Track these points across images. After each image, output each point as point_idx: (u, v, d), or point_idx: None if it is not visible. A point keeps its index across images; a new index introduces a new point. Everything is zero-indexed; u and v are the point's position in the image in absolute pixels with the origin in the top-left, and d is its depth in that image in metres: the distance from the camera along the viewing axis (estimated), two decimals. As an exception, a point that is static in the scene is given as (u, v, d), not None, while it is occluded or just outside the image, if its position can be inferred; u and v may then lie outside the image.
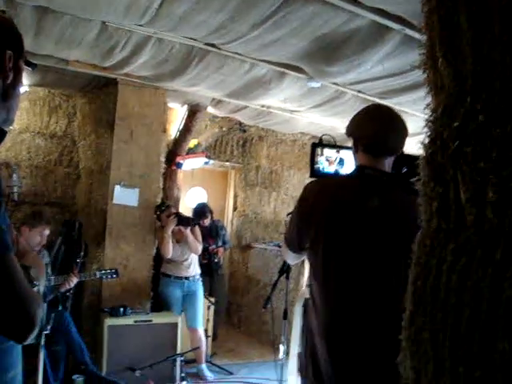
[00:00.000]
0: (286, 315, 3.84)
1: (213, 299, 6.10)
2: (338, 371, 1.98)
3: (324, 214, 2.03)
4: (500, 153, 1.09)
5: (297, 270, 5.71)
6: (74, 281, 4.41)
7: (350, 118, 5.73)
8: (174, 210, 5.29)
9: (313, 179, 2.79)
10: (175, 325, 5.03)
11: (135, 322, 4.84)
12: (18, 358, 1.21)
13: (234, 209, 7.87)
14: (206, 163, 6.80)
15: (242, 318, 7.66)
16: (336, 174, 2.83)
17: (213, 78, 4.68)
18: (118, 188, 5.18)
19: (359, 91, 4.83)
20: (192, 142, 6.61)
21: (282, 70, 4.46)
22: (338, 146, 2.94)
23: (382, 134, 2.12)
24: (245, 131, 7.37)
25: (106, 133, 5.42)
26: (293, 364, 4.45)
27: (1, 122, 1.25)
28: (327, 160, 2.85)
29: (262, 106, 5.80)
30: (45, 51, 4.35)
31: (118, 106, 5.28)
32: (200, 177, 7.69)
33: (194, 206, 6.69)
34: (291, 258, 2.47)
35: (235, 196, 7.86)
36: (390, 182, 2.18)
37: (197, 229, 5.39)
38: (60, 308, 4.40)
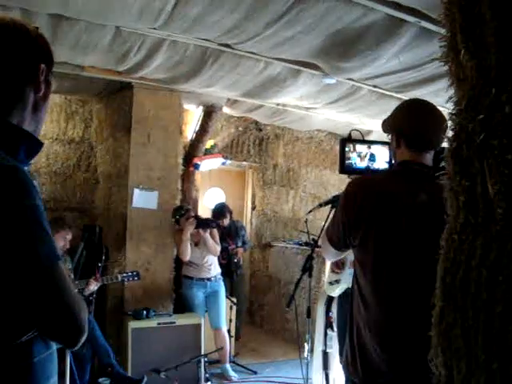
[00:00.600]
0: (309, 313, 3.83)
1: (234, 299, 6.11)
2: (393, 369, 1.99)
3: (374, 211, 2.03)
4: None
5: (317, 267, 5.69)
6: (97, 285, 4.45)
7: (366, 113, 5.73)
8: (192, 214, 5.30)
9: (345, 176, 2.82)
10: (198, 326, 5.04)
11: (158, 324, 4.87)
12: (56, 365, 1.24)
13: (253, 208, 7.87)
14: (224, 163, 6.82)
15: (265, 317, 7.66)
16: (368, 169, 2.83)
17: (228, 78, 4.68)
18: (136, 191, 5.21)
19: (375, 86, 4.80)
20: (208, 143, 6.61)
21: (297, 67, 4.44)
22: (369, 142, 2.94)
23: (426, 129, 2.13)
24: (261, 130, 7.37)
25: (124, 136, 5.45)
26: (318, 362, 4.45)
27: (31, 132, 1.26)
28: (359, 156, 2.85)
29: (278, 105, 5.79)
30: (60, 58, 4.39)
31: (134, 109, 5.30)
32: (217, 177, 7.71)
33: (213, 207, 6.70)
34: (332, 255, 2.49)
35: (253, 195, 7.86)
36: (434, 177, 2.17)
37: (215, 231, 5.39)
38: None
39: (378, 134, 6.88)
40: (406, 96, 4.92)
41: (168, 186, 5.42)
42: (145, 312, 4.85)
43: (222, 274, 5.67)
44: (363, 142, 2.88)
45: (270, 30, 3.51)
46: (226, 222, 6.43)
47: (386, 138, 2.42)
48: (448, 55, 1.32)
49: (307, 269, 3.76)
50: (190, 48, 4.17)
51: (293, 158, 7.87)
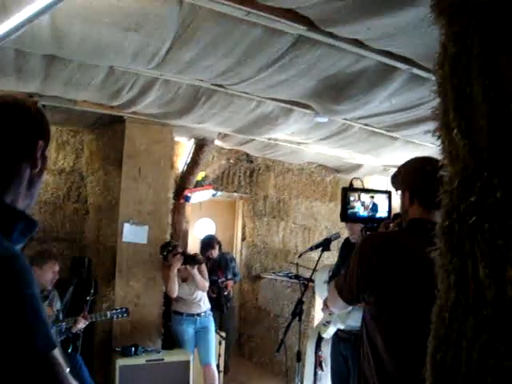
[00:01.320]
0: (299, 357, 3.80)
1: (223, 334, 6.06)
2: None
3: (392, 270, 2.09)
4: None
5: (307, 308, 5.68)
6: (85, 323, 4.39)
7: (357, 149, 5.76)
8: (180, 250, 5.27)
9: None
10: (187, 362, 5.00)
11: (147, 361, 4.81)
12: None
13: (243, 239, 7.86)
14: (214, 195, 6.84)
15: (254, 349, 7.61)
16: (371, 218, 2.85)
17: (220, 116, 4.71)
18: (127, 226, 5.19)
19: (366, 124, 4.84)
20: (199, 175, 6.63)
21: (289, 106, 4.48)
22: (370, 190, 2.98)
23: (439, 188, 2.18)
24: (252, 162, 7.39)
25: (115, 170, 5.44)
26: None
27: (24, 207, 1.26)
28: (363, 205, 2.89)
29: (269, 139, 5.82)
30: (53, 93, 4.40)
31: (126, 143, 5.31)
32: (208, 208, 7.70)
33: (202, 238, 6.68)
34: (340, 307, 2.57)
35: (243, 226, 7.86)
36: None
37: (203, 266, 5.37)
38: (70, 350, 4.38)
39: (369, 168, 6.94)
40: (397, 134, 4.98)
41: (158, 220, 5.40)
42: (133, 349, 4.80)
43: (212, 307, 5.64)
44: (364, 190, 2.93)
45: (264, 74, 3.54)
46: (215, 253, 6.40)
47: (381, 183, 2.46)
48: (441, 129, 1.33)
49: (297, 313, 3.74)
50: (182, 87, 4.20)
51: (283, 189, 7.89)
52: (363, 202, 2.89)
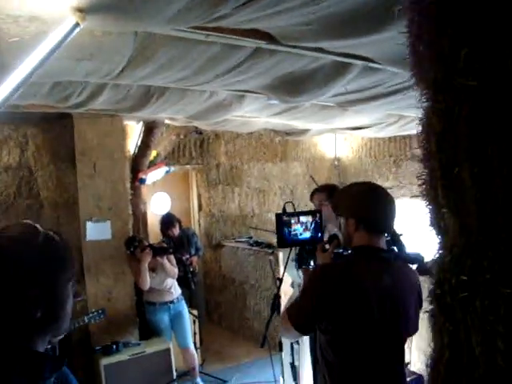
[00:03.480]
0: (281, 347, 3.96)
1: (195, 312, 6.19)
2: None
3: (349, 299, 2.15)
4: (509, 310, 1.16)
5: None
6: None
7: (307, 121, 5.80)
8: (146, 243, 5.27)
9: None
10: (168, 350, 5.12)
11: (130, 356, 4.89)
12: None
13: (200, 209, 7.88)
14: (168, 172, 6.78)
15: (223, 315, 7.81)
16: (313, 239, 2.89)
17: (173, 108, 4.62)
18: (89, 224, 5.13)
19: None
20: (151, 154, 6.54)
21: (242, 93, 4.45)
22: (302, 213, 2.97)
23: (386, 215, 2.30)
24: (201, 133, 7.33)
25: (68, 168, 5.32)
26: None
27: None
28: (305, 226, 2.92)
29: (220, 117, 5.77)
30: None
31: (76, 140, 5.17)
32: (161, 182, 7.64)
33: (161, 217, 6.65)
34: (293, 337, 2.63)
35: (199, 196, 7.86)
36: (392, 258, 2.34)
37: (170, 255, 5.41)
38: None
39: (317, 130, 7.02)
40: (348, 110, 5.05)
41: (119, 213, 5.35)
42: (114, 346, 4.86)
43: (180, 284, 5.70)
44: (297, 213, 2.93)
45: (220, 79, 3.49)
46: (176, 231, 6.39)
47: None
48: (428, 201, 1.37)
49: (276, 308, 3.86)
50: (133, 88, 4.09)
51: (234, 155, 7.89)
52: (303, 223, 2.92)
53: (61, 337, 1.42)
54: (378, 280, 2.20)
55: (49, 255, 1.32)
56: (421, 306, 2.40)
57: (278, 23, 2.36)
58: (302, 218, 2.93)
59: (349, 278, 2.20)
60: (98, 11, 1.86)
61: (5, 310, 1.25)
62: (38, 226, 1.36)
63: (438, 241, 1.38)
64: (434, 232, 1.39)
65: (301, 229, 2.91)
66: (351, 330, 2.18)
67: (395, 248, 2.75)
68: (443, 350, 1.34)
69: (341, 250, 2.60)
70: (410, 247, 4.21)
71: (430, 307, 1.38)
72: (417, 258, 4.14)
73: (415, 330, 2.39)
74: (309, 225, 2.94)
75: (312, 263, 2.88)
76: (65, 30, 1.93)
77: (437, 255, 1.37)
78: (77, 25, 1.89)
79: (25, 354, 1.28)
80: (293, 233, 2.88)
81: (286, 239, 2.85)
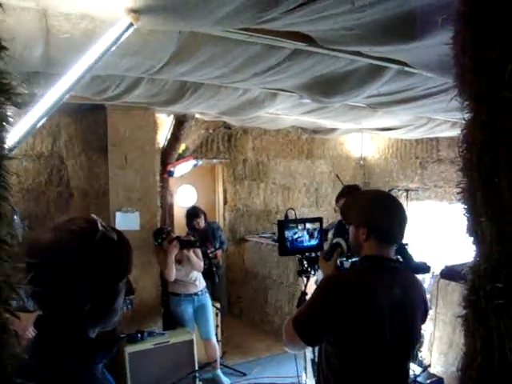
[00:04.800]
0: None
1: (218, 305, 6.27)
2: None
3: (360, 312, 2.10)
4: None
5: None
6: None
7: (337, 120, 5.79)
8: (173, 235, 5.36)
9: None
10: (191, 341, 5.20)
11: (154, 345, 4.99)
12: None
13: (225, 203, 7.96)
14: (195, 165, 6.86)
15: (243, 309, 7.89)
16: (319, 246, 2.89)
17: (206, 103, 4.69)
18: (119, 215, 5.23)
19: (348, 101, 4.91)
20: (180, 148, 6.63)
21: (275, 91, 4.50)
22: (305, 220, 2.96)
23: (397, 225, 2.25)
24: (229, 128, 7.39)
25: (99, 158, 5.43)
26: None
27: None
28: (310, 233, 2.90)
29: (250, 113, 5.83)
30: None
31: (109, 131, 5.26)
32: (187, 175, 7.73)
33: (186, 210, 6.73)
34: (298, 349, 2.46)
35: (224, 190, 7.94)
36: (402, 268, 2.35)
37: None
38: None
39: (344, 129, 7.05)
40: (378, 111, 5.08)
41: (148, 205, 5.45)
42: (139, 335, 4.96)
43: (204, 277, 5.79)
44: (299, 220, 2.92)
45: (257, 78, 3.55)
46: (202, 222, 6.43)
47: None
48: (467, 208, 1.41)
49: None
50: (168, 82, 4.16)
51: (261, 151, 7.96)
52: (308, 230, 2.87)
53: (110, 328, 1.48)
54: (390, 292, 2.17)
55: (104, 253, 1.36)
56: (426, 316, 2.40)
57: (321, 27, 2.41)
58: (308, 225, 2.91)
59: (361, 290, 2.15)
60: (151, 12, 1.93)
61: (58, 299, 1.32)
62: (100, 222, 1.39)
63: (474, 248, 1.41)
64: (470, 239, 1.42)
65: (307, 236, 2.89)
66: (361, 343, 2.13)
67: (400, 257, 2.72)
68: (475, 355, 1.37)
69: (344, 259, 2.56)
70: (416, 256, 4.22)
71: (464, 312, 1.41)
72: (424, 268, 4.17)
73: (418, 341, 2.39)
74: (315, 232, 2.92)
75: (313, 272, 2.87)
76: (119, 29, 2.00)
77: (472, 262, 1.40)
78: (131, 25, 1.96)
79: (79, 340, 1.35)
80: (299, 239, 2.85)
81: (286, 247, 2.81)
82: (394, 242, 2.28)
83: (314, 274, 2.90)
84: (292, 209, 3.40)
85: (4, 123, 0.71)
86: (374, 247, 2.23)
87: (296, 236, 2.84)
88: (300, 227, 2.86)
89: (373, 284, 2.17)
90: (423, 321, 2.38)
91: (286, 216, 2.99)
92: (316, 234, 2.93)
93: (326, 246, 3.05)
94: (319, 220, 2.96)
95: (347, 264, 2.59)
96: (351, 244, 2.37)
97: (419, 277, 6.02)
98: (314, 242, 2.92)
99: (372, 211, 2.26)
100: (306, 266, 2.86)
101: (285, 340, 2.32)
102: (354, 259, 2.53)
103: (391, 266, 2.27)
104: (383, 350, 2.16)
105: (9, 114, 0.72)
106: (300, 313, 2.27)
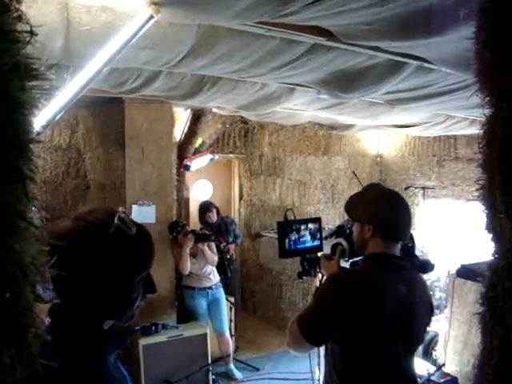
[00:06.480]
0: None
1: (232, 299, 6.28)
2: None
3: (365, 309, 2.08)
4: None
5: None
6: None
7: (355, 116, 5.76)
8: (188, 229, 5.37)
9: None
10: (205, 335, 5.23)
11: (168, 338, 5.02)
12: None
13: (240, 198, 7.97)
14: (212, 159, 6.88)
15: (257, 304, 7.90)
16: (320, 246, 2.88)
17: (224, 98, 4.69)
18: (135, 208, 5.26)
19: (366, 97, 4.89)
20: (197, 142, 6.64)
21: (293, 86, 4.49)
22: (305, 220, 2.92)
23: (404, 223, 2.24)
24: (246, 123, 7.40)
25: (116, 151, 5.46)
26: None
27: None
28: (312, 234, 2.88)
29: (267, 108, 5.83)
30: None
31: (127, 124, 5.29)
32: (203, 169, 7.75)
33: (199, 204, 6.73)
34: (303, 351, 2.38)
35: (240, 185, 7.95)
36: (407, 266, 2.33)
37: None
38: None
39: (362, 125, 7.01)
40: (395, 108, 5.04)
41: (164, 198, 5.47)
42: (153, 328, 4.99)
43: (217, 271, 5.81)
44: (299, 221, 2.89)
45: (275, 72, 3.55)
46: (214, 216, 6.42)
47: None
48: (485, 205, 1.40)
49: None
50: (187, 76, 4.17)
51: (278, 146, 7.95)
52: (310, 229, 2.84)
53: (125, 323, 1.48)
54: (395, 290, 2.15)
55: (117, 247, 1.35)
56: (431, 316, 2.37)
57: (341, 22, 2.40)
58: (310, 225, 2.88)
59: (367, 288, 2.13)
60: (172, 5, 1.93)
61: (69, 288, 1.33)
62: (119, 215, 1.36)
63: (493, 245, 1.40)
64: (489, 237, 1.41)
65: (309, 236, 2.88)
66: (365, 341, 2.11)
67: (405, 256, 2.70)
68: (492, 353, 1.36)
69: (346, 258, 2.54)
70: (421, 255, 4.17)
71: (481, 309, 1.40)
72: (429, 266, 4.14)
73: (422, 340, 2.36)
74: (317, 232, 2.91)
75: (314, 273, 2.84)
76: (140, 21, 2.00)
77: (491, 259, 1.39)
78: (151, 17, 1.97)
79: (91, 330, 1.35)
80: (301, 240, 2.82)
81: (286, 249, 2.77)
82: (399, 239, 2.26)
83: (315, 276, 2.89)
84: (291, 209, 3.35)
85: (33, 107, 0.71)
86: (380, 245, 2.21)
87: (298, 237, 2.82)
88: (303, 227, 2.84)
89: (379, 282, 2.15)
90: (428, 321, 2.36)
91: (286, 217, 2.94)
92: (317, 234, 2.92)
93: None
94: (318, 220, 2.94)
95: (346, 264, 2.59)
96: (355, 242, 2.34)
97: (433, 275, 5.96)
98: (316, 242, 2.90)
99: (379, 207, 2.24)
100: (306, 267, 2.84)
101: (289, 341, 2.29)
102: (355, 259, 2.51)
103: (398, 263, 2.25)
104: (386, 347, 2.15)
105: (37, 98, 0.72)
106: (305, 313, 2.23)
